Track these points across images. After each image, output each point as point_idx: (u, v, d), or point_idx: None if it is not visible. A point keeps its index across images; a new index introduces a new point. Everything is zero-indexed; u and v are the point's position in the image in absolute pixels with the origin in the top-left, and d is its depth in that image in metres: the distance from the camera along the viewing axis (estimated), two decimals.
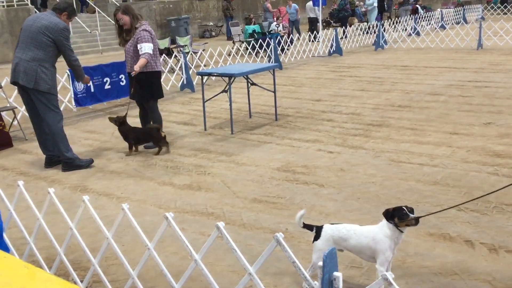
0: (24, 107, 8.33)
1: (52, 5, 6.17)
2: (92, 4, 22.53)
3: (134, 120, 7.27)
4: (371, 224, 4.12)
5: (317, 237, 3.16)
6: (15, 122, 7.67)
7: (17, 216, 3.45)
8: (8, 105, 7.77)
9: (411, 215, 2.98)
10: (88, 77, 6.38)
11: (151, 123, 6.69)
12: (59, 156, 6.07)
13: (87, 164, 6.07)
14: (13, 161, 6.51)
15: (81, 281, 3.20)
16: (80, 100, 9.18)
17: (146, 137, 6.56)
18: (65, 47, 5.73)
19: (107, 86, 9.60)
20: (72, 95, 9.06)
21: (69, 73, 8.92)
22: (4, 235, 3.28)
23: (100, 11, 21.40)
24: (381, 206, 4.53)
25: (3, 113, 7.23)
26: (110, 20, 21.34)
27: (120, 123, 6.48)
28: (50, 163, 6.15)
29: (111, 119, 6.58)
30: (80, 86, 9.11)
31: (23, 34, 5.74)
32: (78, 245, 3.53)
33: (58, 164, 6.12)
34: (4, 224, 3.27)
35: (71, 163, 5.98)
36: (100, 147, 6.96)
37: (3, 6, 18.91)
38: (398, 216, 3.00)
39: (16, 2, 18.92)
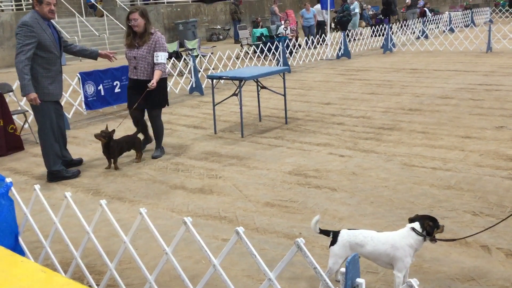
0: None
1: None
2: (101, 8, 22.64)
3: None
4: (386, 228, 4.10)
5: (333, 242, 3.13)
6: (26, 126, 7.69)
7: (33, 218, 3.45)
8: (19, 108, 7.80)
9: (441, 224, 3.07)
10: (33, 94, 5.37)
11: (153, 130, 6.52)
12: (71, 160, 6.10)
13: (74, 175, 5.89)
14: (25, 164, 6.53)
15: (97, 285, 3.19)
16: (90, 104, 9.21)
17: (129, 145, 6.27)
18: (17, 44, 5.34)
19: (117, 90, 9.62)
20: (83, 99, 9.08)
21: (79, 76, 8.96)
22: (20, 238, 3.29)
23: (108, 15, 21.48)
24: (394, 210, 4.51)
25: (14, 117, 7.26)
26: (118, 23, 21.44)
27: (108, 138, 6.00)
28: (67, 165, 6.08)
29: (97, 136, 6.02)
30: (91, 89, 9.13)
31: None
32: (92, 249, 3.54)
33: (74, 166, 6.15)
34: (20, 227, 3.28)
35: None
36: None
37: (12, 10, 19.02)
38: (437, 227, 3.05)
39: (25, 5, 19.03)
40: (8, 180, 3.12)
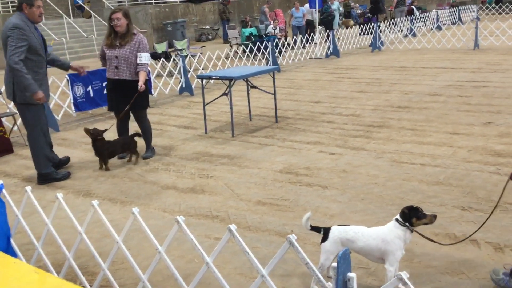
0: None
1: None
2: (88, 9, 22.52)
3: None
4: (376, 224, 4.14)
5: (324, 239, 3.16)
6: (15, 128, 7.65)
7: (25, 220, 3.45)
8: (8, 111, 7.75)
9: (428, 214, 3.09)
10: (41, 93, 5.35)
11: (141, 131, 6.50)
12: (59, 160, 6.11)
13: (65, 177, 5.88)
14: (15, 167, 6.50)
15: (90, 286, 3.19)
16: (80, 105, 9.17)
17: (124, 147, 6.26)
18: (9, 46, 5.21)
19: (106, 91, 9.57)
20: (72, 100, 9.04)
21: (68, 78, 8.92)
22: (12, 240, 3.29)
23: (96, 16, 21.38)
24: (385, 206, 4.55)
25: (3, 119, 7.22)
26: (106, 24, 21.33)
27: (97, 137, 6.01)
28: (56, 167, 6.07)
29: (87, 131, 6.04)
30: (80, 90, 9.10)
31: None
32: (85, 250, 3.54)
33: (62, 166, 6.18)
34: (11, 229, 3.27)
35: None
36: None
37: None
38: (416, 217, 3.05)
39: (11, 8, 18.87)
40: None
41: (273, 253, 3.82)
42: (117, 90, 6.25)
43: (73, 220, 3.11)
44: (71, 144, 7.41)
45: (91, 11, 21.88)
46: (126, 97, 6.14)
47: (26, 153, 7.02)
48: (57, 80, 9.04)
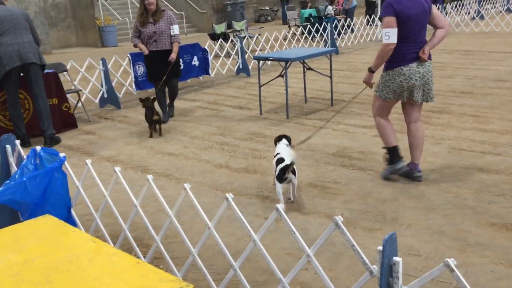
0: (87, 89, 8.69)
1: None
2: None
3: (139, 118, 7.38)
4: (431, 212, 4.05)
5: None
6: (79, 104, 7.99)
7: (85, 192, 3.62)
8: (73, 87, 8.10)
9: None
10: None
11: (173, 96, 7.54)
12: (41, 134, 6.66)
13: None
14: (78, 141, 6.81)
15: (144, 257, 3.33)
16: (140, 84, 9.44)
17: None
18: (34, 28, 6.58)
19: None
20: (133, 79, 9.32)
21: (129, 57, 9.18)
22: (72, 211, 3.47)
23: None
24: (441, 194, 4.44)
25: (68, 96, 7.55)
26: (168, 5, 21.72)
27: (148, 105, 6.63)
28: (24, 143, 6.47)
29: (141, 100, 6.74)
30: (141, 69, 9.35)
31: (7, 23, 6.19)
32: (140, 223, 3.68)
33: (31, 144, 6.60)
34: (72, 200, 3.45)
35: (57, 138, 6.69)
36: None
37: None
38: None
39: None
40: (61, 155, 3.28)
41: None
42: (157, 61, 7.14)
43: (129, 193, 3.24)
44: (131, 121, 7.66)
45: None
46: (166, 65, 7.11)
47: (89, 129, 7.34)
48: (120, 59, 9.33)
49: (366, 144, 5.89)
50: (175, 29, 7.10)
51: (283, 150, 4.49)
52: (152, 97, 6.74)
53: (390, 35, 4.43)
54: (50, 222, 2.49)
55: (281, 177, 4.19)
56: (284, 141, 4.73)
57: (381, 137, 4.85)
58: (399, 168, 4.71)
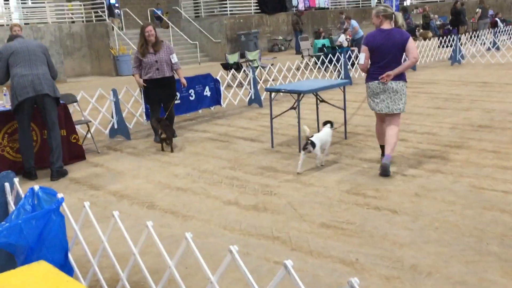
0: (97, 120, 8.60)
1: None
2: (166, 19, 23.19)
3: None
4: (451, 259, 3.79)
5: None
6: (89, 135, 7.88)
7: (85, 231, 3.46)
8: (83, 118, 8.01)
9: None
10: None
11: (170, 118, 7.86)
12: (48, 166, 6.54)
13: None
14: (85, 174, 6.66)
15: None
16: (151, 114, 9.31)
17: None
18: (52, 62, 6.58)
19: (176, 101, 9.68)
20: (144, 109, 9.22)
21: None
22: (69, 254, 3.28)
23: (173, 26, 21.97)
24: (461, 238, 4.17)
25: (77, 127, 7.45)
26: (183, 35, 21.90)
27: (162, 121, 7.49)
28: (31, 176, 6.45)
29: (154, 121, 7.66)
30: None
31: (22, 55, 6.17)
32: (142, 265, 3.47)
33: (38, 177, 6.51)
34: (70, 242, 3.26)
35: (64, 171, 6.58)
36: (169, 162, 6.98)
37: (83, 22, 19.84)
38: None
39: (94, 17, 19.80)
40: (59, 195, 3.12)
41: (336, 282, 3.59)
42: (159, 87, 7.70)
43: (128, 240, 3.04)
44: (140, 153, 7.52)
45: (169, 22, 22.52)
46: (167, 89, 7.78)
47: (97, 161, 7.20)
48: (132, 88, 9.27)
49: (381, 181, 5.65)
50: (175, 57, 7.80)
51: (322, 131, 6.37)
52: (160, 118, 7.52)
53: (360, 58, 6.02)
54: (43, 270, 2.37)
55: (302, 146, 6.05)
56: (328, 125, 6.48)
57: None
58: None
